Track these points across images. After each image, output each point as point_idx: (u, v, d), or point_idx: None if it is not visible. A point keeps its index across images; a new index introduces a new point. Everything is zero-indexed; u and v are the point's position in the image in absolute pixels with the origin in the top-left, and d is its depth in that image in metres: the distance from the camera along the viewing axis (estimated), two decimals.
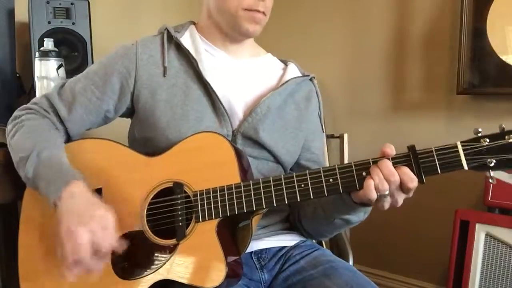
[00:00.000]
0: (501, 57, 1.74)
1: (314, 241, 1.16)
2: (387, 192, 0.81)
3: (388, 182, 0.80)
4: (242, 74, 1.08)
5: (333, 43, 2.27)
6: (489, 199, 1.64)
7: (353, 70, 2.22)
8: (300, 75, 1.12)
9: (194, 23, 1.12)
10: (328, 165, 0.87)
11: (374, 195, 0.81)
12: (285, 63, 1.16)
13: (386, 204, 0.84)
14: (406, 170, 0.81)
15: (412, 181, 0.80)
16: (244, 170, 0.92)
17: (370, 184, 0.81)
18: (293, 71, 1.12)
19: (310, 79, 1.14)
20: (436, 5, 1.95)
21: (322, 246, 1.20)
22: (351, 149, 2.03)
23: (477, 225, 1.65)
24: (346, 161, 1.98)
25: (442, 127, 1.95)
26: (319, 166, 1.11)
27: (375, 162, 0.83)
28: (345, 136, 2.02)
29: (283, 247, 1.05)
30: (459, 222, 1.69)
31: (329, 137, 2.01)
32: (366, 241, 2.03)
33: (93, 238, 0.82)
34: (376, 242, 2.14)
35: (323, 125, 1.16)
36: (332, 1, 2.26)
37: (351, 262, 1.23)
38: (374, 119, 2.15)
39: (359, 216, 0.97)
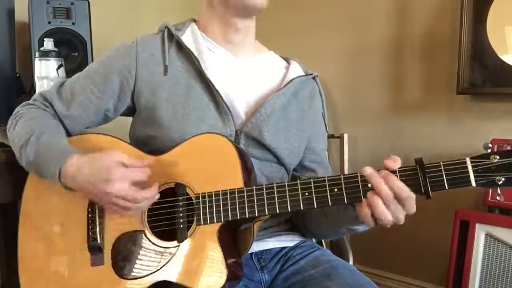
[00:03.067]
0: (501, 57, 1.74)
1: (314, 241, 1.16)
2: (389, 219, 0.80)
3: (387, 207, 0.79)
4: (245, 72, 1.07)
5: (333, 43, 2.26)
6: (489, 199, 1.64)
7: (353, 70, 2.22)
8: (303, 73, 1.11)
9: (195, 21, 1.11)
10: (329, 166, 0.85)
11: (371, 224, 0.82)
12: (287, 61, 1.15)
13: (388, 224, 0.82)
14: (400, 184, 0.78)
15: (408, 194, 0.78)
16: (248, 171, 0.92)
17: (367, 214, 0.81)
18: (296, 69, 1.11)
19: (313, 78, 1.13)
20: (436, 4, 1.94)
21: (322, 246, 1.19)
22: (351, 149, 2.03)
23: (477, 225, 1.64)
24: (346, 161, 1.98)
25: (442, 127, 1.95)
26: (323, 167, 1.11)
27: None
28: (345, 136, 2.02)
29: (283, 248, 1.05)
30: (459, 222, 1.69)
31: (329, 137, 2.00)
32: (366, 241, 2.02)
33: (126, 176, 0.84)
34: (376, 242, 2.14)
35: (326, 125, 1.15)
36: (332, 1, 2.26)
37: (351, 262, 1.23)
38: (374, 119, 2.15)
39: (364, 227, 0.94)
